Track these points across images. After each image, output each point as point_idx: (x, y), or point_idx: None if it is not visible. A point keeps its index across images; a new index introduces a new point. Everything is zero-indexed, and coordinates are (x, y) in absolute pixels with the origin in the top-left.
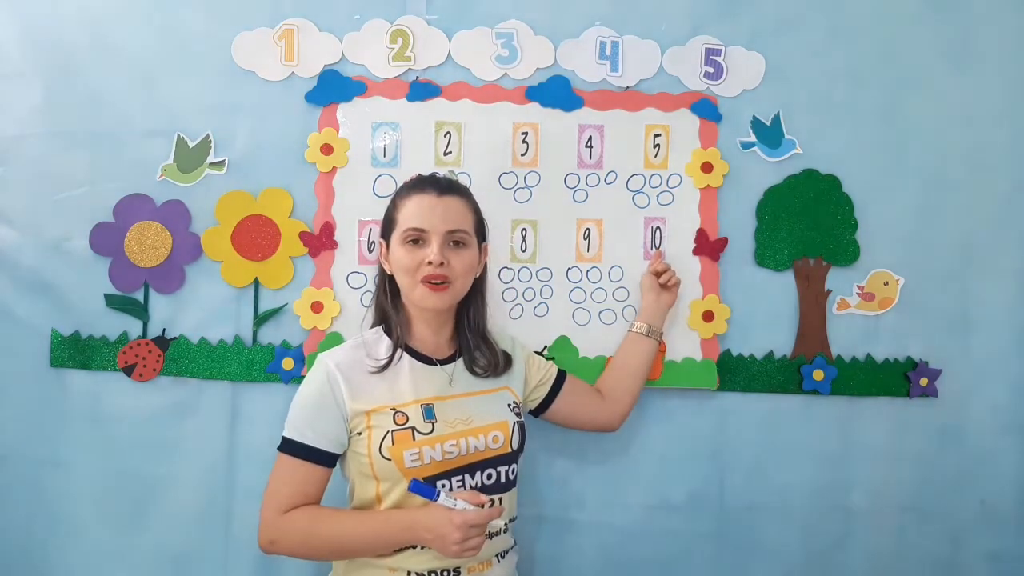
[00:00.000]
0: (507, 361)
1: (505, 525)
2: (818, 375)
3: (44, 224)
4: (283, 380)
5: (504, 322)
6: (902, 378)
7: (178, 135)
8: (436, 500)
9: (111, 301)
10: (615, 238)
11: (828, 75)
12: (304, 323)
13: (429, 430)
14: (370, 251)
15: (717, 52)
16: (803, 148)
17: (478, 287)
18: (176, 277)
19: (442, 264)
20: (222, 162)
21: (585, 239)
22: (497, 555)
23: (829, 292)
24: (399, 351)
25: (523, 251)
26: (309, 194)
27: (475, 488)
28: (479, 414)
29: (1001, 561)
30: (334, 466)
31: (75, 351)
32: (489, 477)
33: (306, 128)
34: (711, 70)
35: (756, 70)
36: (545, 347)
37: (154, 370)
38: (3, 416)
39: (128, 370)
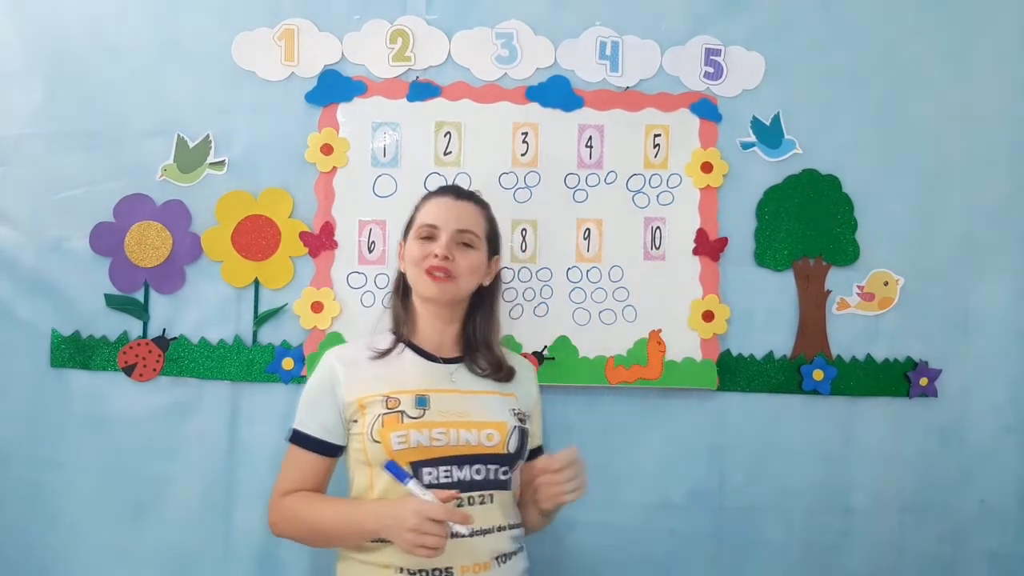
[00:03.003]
0: (509, 372)
1: (506, 527)
2: (818, 375)
3: (44, 224)
4: (283, 380)
5: (504, 322)
6: (902, 378)
7: (178, 135)
8: (406, 484)
9: (111, 301)
10: (615, 238)
11: (828, 75)
12: (304, 323)
13: (419, 415)
14: (370, 251)
15: (717, 52)
16: (803, 148)
17: (488, 297)
18: (176, 277)
19: (447, 258)
20: (222, 162)
21: (585, 239)
22: (496, 558)
23: (829, 292)
24: (400, 344)
25: (523, 251)
26: (309, 194)
27: (461, 481)
28: (477, 410)
29: (1001, 560)
30: (336, 456)
31: (75, 351)
32: (478, 472)
33: (306, 128)
34: (711, 70)
35: (756, 70)
36: (545, 347)
37: (154, 370)
38: (3, 416)
39: (128, 370)
